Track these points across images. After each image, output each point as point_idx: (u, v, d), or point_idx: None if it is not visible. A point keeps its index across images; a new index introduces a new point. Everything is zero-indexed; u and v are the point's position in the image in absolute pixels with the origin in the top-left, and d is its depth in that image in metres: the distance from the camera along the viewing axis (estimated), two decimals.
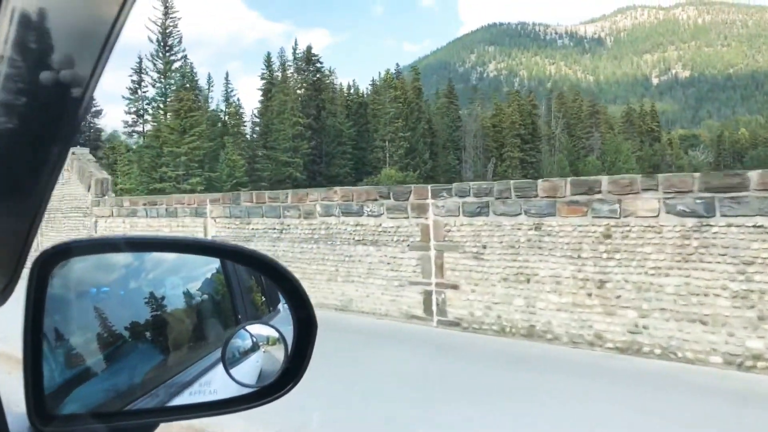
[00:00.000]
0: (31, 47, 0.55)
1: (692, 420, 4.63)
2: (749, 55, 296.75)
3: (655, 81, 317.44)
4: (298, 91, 78.81)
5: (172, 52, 65.33)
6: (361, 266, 8.93)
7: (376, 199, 8.72)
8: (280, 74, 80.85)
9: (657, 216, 6.19)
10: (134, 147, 59.60)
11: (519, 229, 7.20)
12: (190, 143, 52.50)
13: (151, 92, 64.94)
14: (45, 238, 14.79)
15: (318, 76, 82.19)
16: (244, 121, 76.94)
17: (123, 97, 62.93)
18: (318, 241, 9.51)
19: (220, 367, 0.88)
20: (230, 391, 0.89)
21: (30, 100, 0.59)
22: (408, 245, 8.32)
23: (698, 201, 5.92)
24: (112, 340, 0.82)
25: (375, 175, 76.12)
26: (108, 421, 0.78)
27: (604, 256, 6.56)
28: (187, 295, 0.91)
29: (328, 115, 79.63)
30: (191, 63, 67.23)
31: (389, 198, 8.54)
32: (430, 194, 8.06)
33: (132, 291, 0.88)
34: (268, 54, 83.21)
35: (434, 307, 8.04)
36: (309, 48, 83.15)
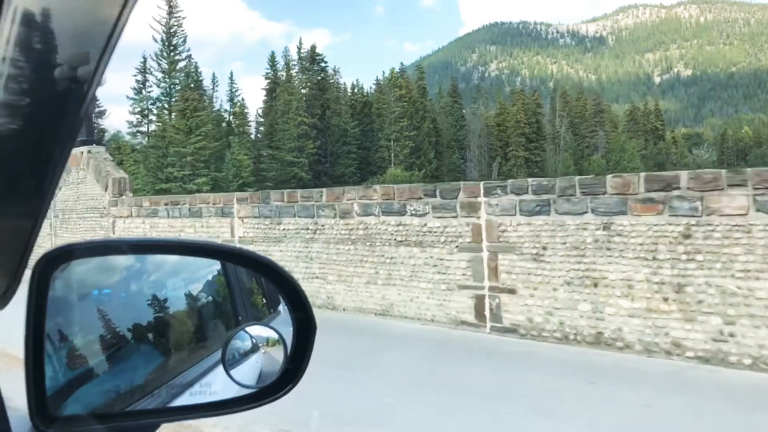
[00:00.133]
0: (32, 47, 0.55)
1: None
2: (751, 54, 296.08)
3: (657, 80, 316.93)
4: (303, 91, 78.32)
5: (177, 52, 64.89)
6: (403, 269, 8.43)
7: (420, 198, 8.22)
8: (284, 74, 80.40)
9: (746, 214, 5.68)
10: (138, 147, 59.13)
11: (585, 228, 6.70)
12: (196, 143, 52.02)
13: (155, 92, 64.45)
14: (59, 239, 14.30)
15: (322, 75, 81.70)
16: (249, 121, 76.46)
17: (127, 97, 62.43)
18: (356, 242, 9.01)
19: (221, 368, 0.89)
20: (230, 391, 0.89)
21: (32, 100, 0.59)
22: (457, 246, 7.82)
23: None
24: (113, 341, 0.82)
25: (380, 174, 75.62)
26: (109, 421, 0.78)
27: (684, 257, 6.05)
28: (188, 297, 0.92)
29: (333, 114, 79.14)
30: (196, 62, 66.76)
31: (435, 196, 8.04)
32: (482, 191, 7.55)
33: (133, 293, 0.88)
34: (272, 53, 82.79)
35: (487, 313, 7.53)
36: (313, 47, 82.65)
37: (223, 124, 69.75)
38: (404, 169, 77.95)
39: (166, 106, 62.91)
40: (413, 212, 8.28)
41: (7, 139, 0.59)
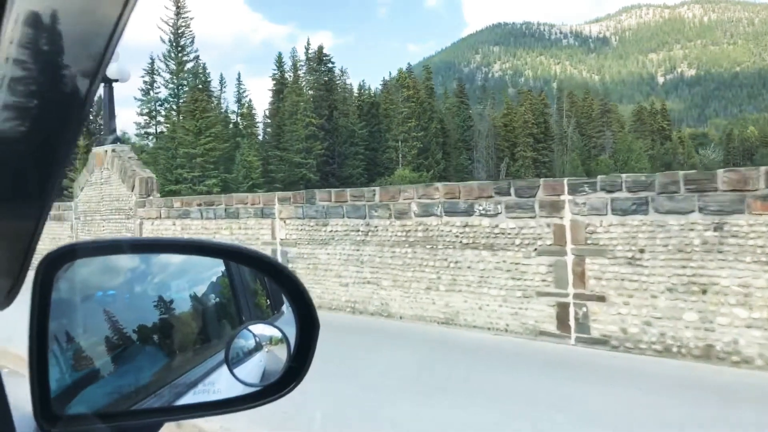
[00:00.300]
0: (34, 49, 0.55)
1: None
2: (756, 53, 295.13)
3: (660, 80, 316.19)
4: (310, 92, 77.72)
5: (185, 53, 64.37)
6: (470, 274, 7.75)
7: (490, 197, 7.54)
8: (290, 75, 79.84)
9: None
10: (147, 149, 58.52)
11: (692, 229, 6.01)
12: (206, 144, 51.45)
13: (163, 93, 63.91)
14: None
15: (329, 76, 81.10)
16: (256, 122, 75.89)
17: (135, 98, 61.84)
18: (414, 245, 8.34)
19: (225, 367, 0.89)
20: (234, 390, 0.89)
21: (33, 101, 0.59)
22: (535, 249, 7.14)
23: None
24: (118, 342, 0.82)
25: (387, 176, 75.00)
26: (113, 421, 0.79)
27: None
28: (193, 298, 0.92)
29: (340, 115, 78.56)
30: (204, 63, 66.23)
31: (509, 194, 7.36)
32: (566, 189, 6.87)
33: (138, 294, 0.89)
34: (280, 54, 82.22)
35: (572, 322, 6.85)
36: (320, 48, 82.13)
37: (230, 126, 69.19)
38: (412, 170, 77.32)
39: (174, 107, 62.38)
40: (483, 212, 7.60)
41: (9, 140, 0.59)
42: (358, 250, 9.03)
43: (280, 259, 10.13)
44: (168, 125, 61.04)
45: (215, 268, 0.95)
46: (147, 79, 62.53)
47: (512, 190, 7.34)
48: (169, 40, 63.22)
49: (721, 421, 4.51)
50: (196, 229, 11.51)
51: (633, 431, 4.48)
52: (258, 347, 0.93)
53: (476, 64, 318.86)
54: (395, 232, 8.56)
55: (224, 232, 11.01)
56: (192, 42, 64.37)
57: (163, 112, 63.80)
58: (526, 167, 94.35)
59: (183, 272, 0.95)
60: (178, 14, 63.75)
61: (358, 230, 9.02)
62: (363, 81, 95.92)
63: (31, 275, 0.73)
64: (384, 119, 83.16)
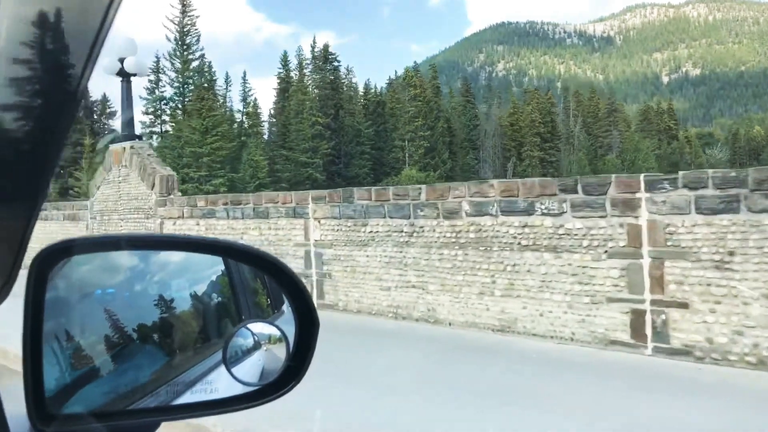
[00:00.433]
0: (20, 48, 0.56)
1: None
2: (761, 53, 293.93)
3: (665, 79, 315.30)
4: (315, 91, 77.17)
5: (190, 51, 63.89)
6: (530, 278, 7.18)
7: (554, 194, 6.97)
8: (295, 74, 79.32)
9: None
10: (152, 148, 58.09)
11: None
12: (212, 143, 50.93)
13: (168, 92, 63.41)
14: None
15: (335, 75, 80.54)
16: (262, 122, 75.36)
17: (140, 97, 61.30)
18: (465, 246, 7.78)
19: (223, 366, 0.88)
20: (232, 389, 0.88)
21: (22, 101, 0.59)
22: (606, 252, 6.57)
23: None
24: (117, 341, 0.81)
25: (394, 175, 74.46)
26: (108, 420, 0.78)
27: None
28: (193, 297, 0.91)
29: (347, 114, 77.99)
30: (209, 62, 65.74)
31: (576, 192, 6.80)
32: (642, 186, 6.30)
33: (138, 293, 0.88)
34: (285, 53, 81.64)
35: (648, 331, 6.28)
36: (326, 46, 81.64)
37: (235, 125, 68.67)
38: (419, 169, 76.74)
39: (180, 106, 61.89)
40: (545, 211, 7.04)
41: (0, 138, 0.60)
42: (401, 251, 8.47)
43: (314, 261, 9.59)
44: (173, 124, 60.58)
45: (215, 266, 0.94)
46: (152, 77, 62.00)
47: (579, 187, 6.78)
48: (175, 39, 62.74)
49: None
50: (221, 229, 10.97)
51: None
52: (256, 346, 0.91)
53: (480, 63, 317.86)
54: (443, 232, 8.00)
55: (252, 233, 10.46)
56: (198, 40, 63.92)
57: (168, 111, 63.32)
58: (533, 167, 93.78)
59: (183, 270, 0.93)
60: (183, 12, 63.30)
61: (402, 231, 8.46)
62: (368, 80, 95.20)
63: (23, 275, 0.71)
64: (390, 118, 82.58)
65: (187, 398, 0.86)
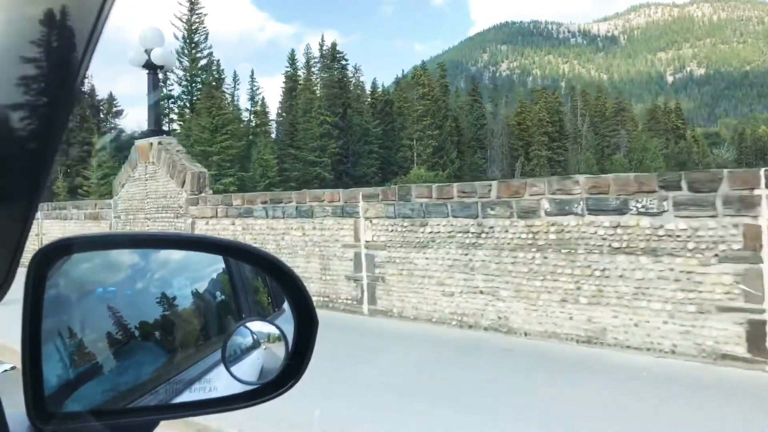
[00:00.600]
0: (16, 48, 0.56)
1: None
2: (766, 52, 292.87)
3: (669, 79, 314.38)
4: (323, 90, 76.52)
5: (198, 49, 63.30)
6: (623, 284, 6.49)
7: (653, 191, 6.28)
8: (303, 72, 78.68)
9: None
10: None
11: None
12: (222, 142, 50.27)
13: (176, 90, 62.81)
14: None
15: (343, 73, 79.86)
16: (270, 120, 74.75)
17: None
18: (543, 249, 7.09)
19: (222, 365, 0.88)
20: (231, 388, 0.88)
21: (17, 101, 0.59)
22: (716, 255, 5.88)
23: None
24: (118, 339, 0.81)
25: (402, 175, 73.75)
26: (108, 418, 0.78)
27: None
28: (194, 295, 0.91)
29: (354, 113, 77.29)
30: (218, 60, 65.14)
31: (680, 188, 6.10)
32: (763, 182, 5.61)
33: (138, 291, 0.87)
34: (292, 51, 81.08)
35: None
36: (334, 45, 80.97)
37: (242, 124, 68.05)
38: (428, 168, 76.02)
39: (188, 104, 61.30)
40: (642, 210, 6.35)
41: None
42: (466, 254, 7.79)
43: (365, 264, 8.92)
44: (181, 123, 59.95)
45: (215, 264, 0.93)
46: (160, 75, 61.38)
47: (684, 184, 6.08)
48: (183, 36, 62.13)
49: None
50: (260, 229, 10.29)
51: None
52: (256, 345, 0.91)
53: (483, 63, 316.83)
54: (518, 233, 7.31)
55: (295, 233, 9.78)
56: (206, 38, 63.33)
57: (175, 110, 62.72)
58: (540, 166, 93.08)
59: (183, 268, 0.93)
60: (191, 10, 62.71)
61: (468, 231, 7.77)
62: (375, 79, 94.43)
63: (21, 274, 0.71)
64: (398, 117, 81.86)
65: (186, 397, 0.85)
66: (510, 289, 7.40)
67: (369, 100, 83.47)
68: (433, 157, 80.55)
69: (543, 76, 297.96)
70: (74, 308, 0.82)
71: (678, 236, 6.11)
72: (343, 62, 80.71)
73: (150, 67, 12.33)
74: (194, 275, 0.93)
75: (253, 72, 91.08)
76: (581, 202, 6.78)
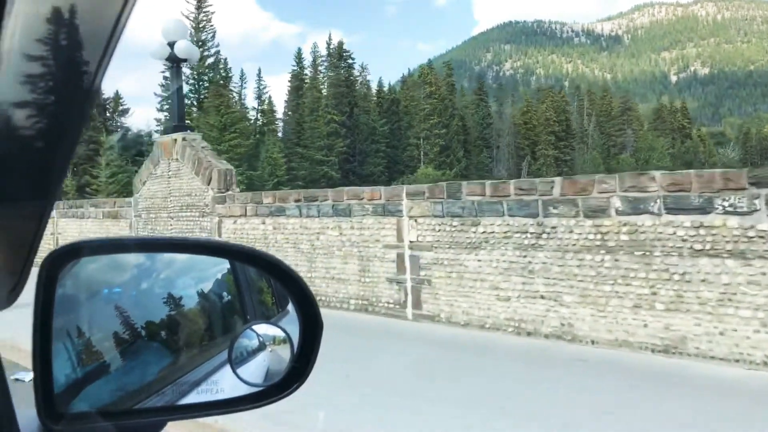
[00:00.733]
0: (35, 47, 0.55)
1: None
2: None
3: (673, 78, 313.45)
4: (330, 88, 76.05)
5: (206, 47, 62.86)
6: (706, 289, 5.98)
7: (742, 188, 5.77)
8: (309, 71, 78.24)
9: None
10: None
11: None
12: (231, 140, 49.83)
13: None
14: None
15: (350, 72, 79.38)
16: (277, 119, 74.33)
17: (155, 94, 60.38)
18: (614, 251, 6.58)
19: (228, 366, 0.88)
20: (237, 390, 0.88)
21: (34, 100, 0.59)
22: None
23: None
24: (123, 340, 0.81)
25: (409, 174, 73.28)
26: (116, 419, 0.78)
27: None
28: (199, 295, 0.91)
29: (361, 112, 76.83)
30: (225, 58, 64.73)
31: None
32: None
33: (144, 291, 0.87)
34: (299, 50, 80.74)
35: None
36: (341, 44, 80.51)
37: (249, 123, 67.61)
38: (435, 167, 75.51)
39: (195, 102, 60.89)
40: (729, 209, 5.84)
41: (10, 139, 0.59)
42: (525, 256, 7.28)
43: (409, 266, 8.42)
44: (189, 121, 59.53)
45: (220, 265, 0.93)
46: (167, 74, 60.97)
47: None
48: (190, 34, 61.65)
49: None
50: (292, 228, 9.79)
51: None
52: (261, 347, 0.91)
53: (487, 62, 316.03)
54: (584, 234, 6.80)
55: (331, 233, 9.28)
56: (213, 37, 62.93)
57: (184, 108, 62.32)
58: (547, 165, 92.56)
59: (188, 269, 0.92)
60: (199, 8, 62.32)
61: (526, 232, 7.27)
62: (381, 78, 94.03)
63: (34, 274, 0.71)
64: (405, 116, 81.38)
65: (193, 398, 0.85)
66: (575, 293, 6.89)
67: (375, 99, 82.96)
68: (440, 156, 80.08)
69: (546, 75, 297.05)
70: (82, 308, 0.81)
71: None
72: (350, 61, 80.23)
73: (173, 60, 11.83)
74: (199, 275, 0.92)
75: (260, 71, 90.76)
76: (658, 201, 6.26)
